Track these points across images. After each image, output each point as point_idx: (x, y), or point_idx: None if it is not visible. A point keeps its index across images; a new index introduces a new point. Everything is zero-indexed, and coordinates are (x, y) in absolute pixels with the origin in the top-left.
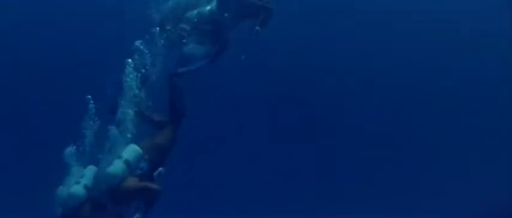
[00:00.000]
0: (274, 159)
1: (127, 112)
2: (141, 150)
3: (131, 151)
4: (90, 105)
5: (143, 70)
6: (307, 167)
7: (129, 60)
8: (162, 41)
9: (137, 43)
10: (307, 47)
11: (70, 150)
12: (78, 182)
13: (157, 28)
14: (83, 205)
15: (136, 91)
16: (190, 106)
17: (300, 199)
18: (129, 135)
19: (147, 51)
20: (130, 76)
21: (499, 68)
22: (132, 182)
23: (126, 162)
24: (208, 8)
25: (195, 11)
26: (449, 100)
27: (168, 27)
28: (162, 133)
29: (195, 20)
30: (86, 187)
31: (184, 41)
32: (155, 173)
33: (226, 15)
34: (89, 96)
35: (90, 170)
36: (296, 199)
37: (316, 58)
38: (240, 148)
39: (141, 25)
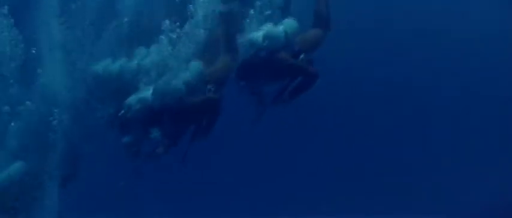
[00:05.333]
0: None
1: None
2: (297, 25)
3: (289, 23)
4: None
5: None
6: (306, 167)
7: None
8: None
9: None
10: None
11: None
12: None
13: None
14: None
15: None
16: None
17: (300, 199)
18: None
19: None
20: None
21: (500, 68)
22: (286, 55)
23: (285, 32)
24: None
25: None
26: (449, 100)
27: None
28: (316, 29)
29: None
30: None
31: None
32: (300, 58)
33: None
34: None
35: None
36: (296, 199)
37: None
38: (240, 148)
39: None
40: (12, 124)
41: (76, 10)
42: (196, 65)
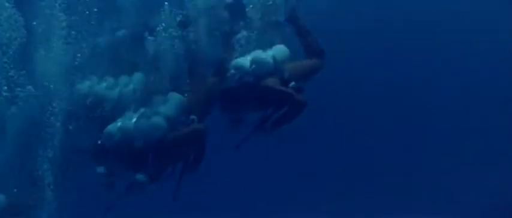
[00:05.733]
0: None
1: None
2: (288, 51)
3: (279, 49)
4: None
5: None
6: (307, 167)
7: None
8: None
9: None
10: None
11: None
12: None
13: None
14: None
15: None
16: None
17: (301, 199)
18: None
19: None
20: None
21: (500, 68)
22: (273, 82)
23: (274, 57)
24: None
25: None
26: (450, 99)
27: None
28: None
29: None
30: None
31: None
32: (290, 85)
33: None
34: None
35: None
36: (296, 199)
37: None
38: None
39: None
40: None
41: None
42: (176, 97)
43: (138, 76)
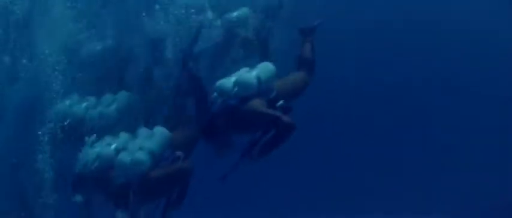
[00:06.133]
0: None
1: None
2: (274, 68)
3: (264, 67)
4: None
5: None
6: (306, 167)
7: None
8: None
9: None
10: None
11: None
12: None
13: None
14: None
15: None
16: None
17: (302, 199)
18: None
19: None
20: None
21: (500, 68)
22: (260, 104)
23: (258, 77)
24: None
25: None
26: (450, 99)
27: None
28: (300, 73)
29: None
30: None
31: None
32: (277, 104)
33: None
34: None
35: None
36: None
37: None
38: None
39: None
40: None
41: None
42: (162, 131)
43: (123, 95)
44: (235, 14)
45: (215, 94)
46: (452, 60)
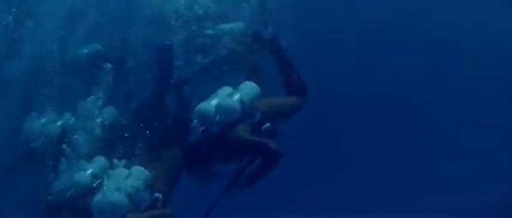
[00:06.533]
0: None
1: None
2: (258, 89)
3: (247, 89)
4: None
5: None
6: (307, 167)
7: None
8: None
9: None
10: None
11: None
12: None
13: None
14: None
15: None
16: None
17: (302, 199)
18: None
19: None
20: None
21: (500, 68)
22: (244, 132)
23: (241, 100)
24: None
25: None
26: (450, 99)
27: None
28: (290, 97)
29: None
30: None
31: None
32: (263, 127)
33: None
34: None
35: None
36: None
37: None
38: None
39: None
40: None
41: None
42: (139, 171)
43: (108, 110)
44: (228, 26)
45: (195, 120)
46: (452, 61)
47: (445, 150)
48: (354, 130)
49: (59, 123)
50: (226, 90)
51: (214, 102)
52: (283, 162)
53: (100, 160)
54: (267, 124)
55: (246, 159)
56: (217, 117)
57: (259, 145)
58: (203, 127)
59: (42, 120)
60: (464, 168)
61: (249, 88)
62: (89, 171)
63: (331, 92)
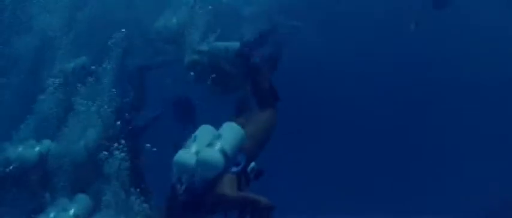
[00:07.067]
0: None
1: None
2: (241, 131)
3: (227, 135)
4: None
5: None
6: (307, 166)
7: None
8: None
9: None
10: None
11: None
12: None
13: None
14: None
15: None
16: None
17: (302, 199)
18: None
19: None
20: None
21: (500, 68)
22: (230, 188)
23: (223, 152)
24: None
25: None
26: (450, 99)
27: None
28: (265, 113)
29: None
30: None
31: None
32: (249, 169)
33: None
34: None
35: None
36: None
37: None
38: None
39: None
40: None
41: None
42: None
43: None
44: (222, 44)
45: (174, 169)
46: (452, 60)
47: (445, 149)
48: (354, 130)
49: (37, 148)
50: (207, 131)
51: (193, 148)
52: (283, 162)
53: (82, 200)
54: (252, 165)
55: (236, 212)
56: (199, 170)
57: (250, 204)
58: (183, 187)
59: (20, 148)
60: (465, 168)
61: (231, 133)
62: (72, 211)
63: (332, 92)
